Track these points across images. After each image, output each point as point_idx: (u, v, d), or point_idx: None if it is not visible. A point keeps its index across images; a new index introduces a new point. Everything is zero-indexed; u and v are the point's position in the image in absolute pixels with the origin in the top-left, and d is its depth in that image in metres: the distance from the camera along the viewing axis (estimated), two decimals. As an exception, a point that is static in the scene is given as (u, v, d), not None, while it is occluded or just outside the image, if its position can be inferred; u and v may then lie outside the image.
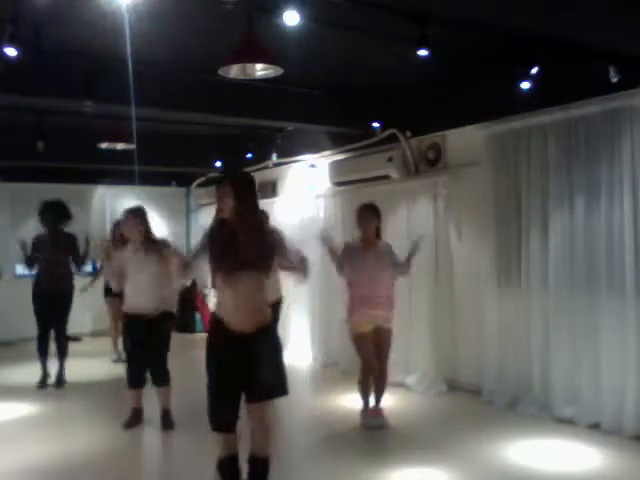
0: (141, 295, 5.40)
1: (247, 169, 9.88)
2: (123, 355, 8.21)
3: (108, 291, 8.60)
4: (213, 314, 3.77)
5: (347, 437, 5.43)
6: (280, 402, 6.53)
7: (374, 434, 5.33)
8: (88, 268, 11.02)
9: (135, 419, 5.58)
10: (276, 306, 5.65)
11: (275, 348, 3.78)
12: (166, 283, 5.40)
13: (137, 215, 5.61)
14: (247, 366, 3.61)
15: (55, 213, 7.24)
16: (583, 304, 5.37)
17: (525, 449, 4.86)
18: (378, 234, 5.71)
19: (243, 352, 3.59)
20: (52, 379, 7.21)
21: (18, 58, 4.56)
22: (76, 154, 8.91)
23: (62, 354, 7.27)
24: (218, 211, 3.66)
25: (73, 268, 7.37)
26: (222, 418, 3.69)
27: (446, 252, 6.72)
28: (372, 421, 5.52)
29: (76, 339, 9.43)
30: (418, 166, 7.08)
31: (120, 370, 7.77)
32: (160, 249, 5.38)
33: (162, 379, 5.52)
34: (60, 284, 7.20)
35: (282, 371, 3.75)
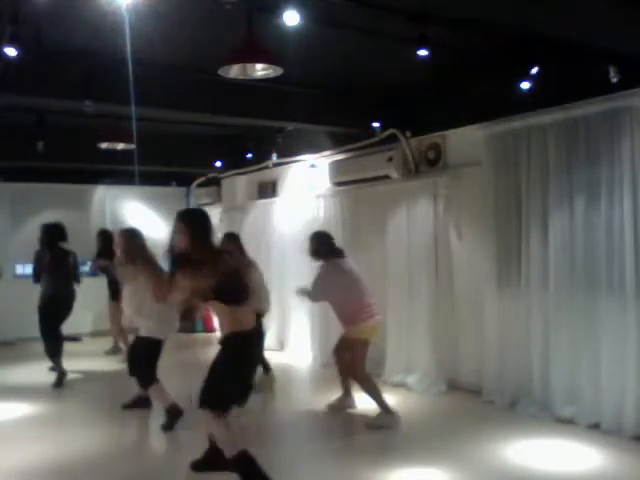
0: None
1: (247, 169, 9.93)
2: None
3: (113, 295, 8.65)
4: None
5: (347, 437, 5.44)
6: (280, 402, 6.54)
7: (374, 434, 5.32)
8: (88, 268, 11.04)
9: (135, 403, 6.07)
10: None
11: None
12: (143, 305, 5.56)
13: (120, 235, 5.82)
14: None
15: (53, 235, 7.42)
16: (583, 304, 5.36)
17: (525, 449, 4.85)
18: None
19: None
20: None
21: (18, 58, 4.56)
22: (76, 154, 8.91)
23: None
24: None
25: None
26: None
27: (446, 252, 6.72)
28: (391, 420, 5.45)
29: (76, 339, 9.42)
30: (418, 166, 7.07)
31: (119, 369, 7.82)
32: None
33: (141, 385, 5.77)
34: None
35: None
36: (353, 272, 5.69)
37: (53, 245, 7.42)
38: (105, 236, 8.97)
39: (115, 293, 7.96)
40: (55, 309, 7.38)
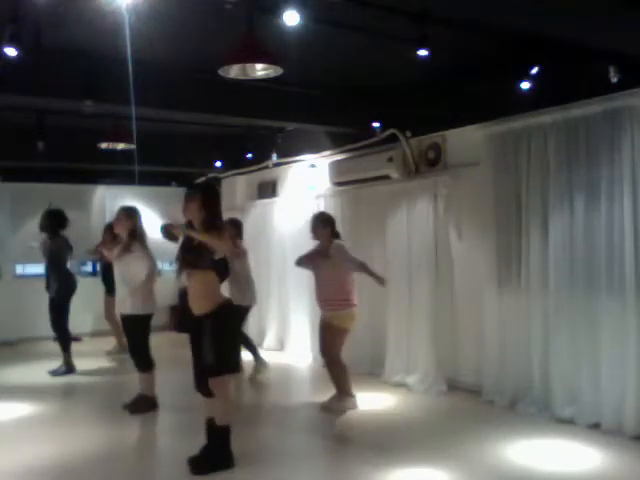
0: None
1: (247, 169, 9.94)
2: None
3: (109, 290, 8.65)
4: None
5: (347, 437, 5.43)
6: (280, 402, 6.54)
7: (374, 434, 5.32)
8: (88, 268, 11.07)
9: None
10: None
11: None
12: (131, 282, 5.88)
13: (126, 213, 6.07)
14: None
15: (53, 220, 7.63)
16: (583, 304, 5.36)
17: (525, 449, 4.85)
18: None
19: None
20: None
21: (18, 58, 4.57)
22: (76, 154, 8.92)
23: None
24: None
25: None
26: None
27: (446, 252, 6.71)
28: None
29: (76, 339, 9.43)
30: (418, 166, 7.07)
31: (120, 369, 7.84)
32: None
33: (137, 366, 5.99)
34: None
35: None
36: None
37: (55, 232, 7.56)
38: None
39: (111, 288, 8.02)
40: (69, 299, 7.65)
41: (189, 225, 4.39)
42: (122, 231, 5.98)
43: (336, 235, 6.11)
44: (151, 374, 5.94)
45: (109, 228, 8.78)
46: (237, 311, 4.63)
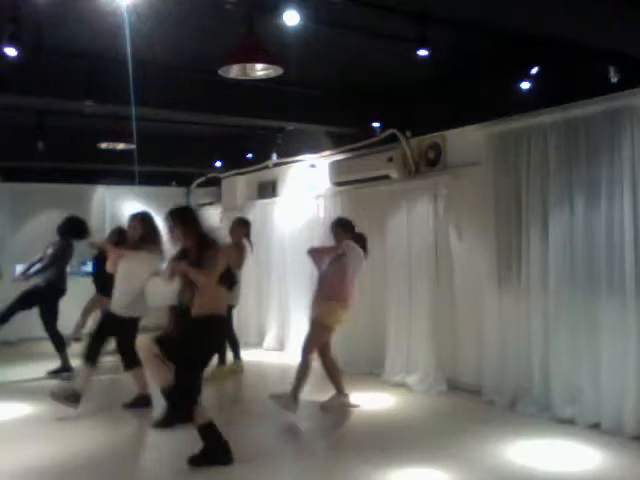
0: None
1: (247, 169, 9.94)
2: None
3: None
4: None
5: (347, 437, 5.43)
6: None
7: (374, 434, 5.32)
8: (88, 268, 11.03)
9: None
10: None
11: None
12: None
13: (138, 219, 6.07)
14: None
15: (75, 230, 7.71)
16: (583, 304, 5.36)
17: (525, 449, 4.85)
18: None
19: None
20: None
21: (18, 58, 4.57)
22: (76, 154, 8.92)
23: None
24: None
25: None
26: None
27: (446, 252, 6.71)
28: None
29: (76, 339, 9.42)
30: (418, 166, 7.07)
31: (119, 369, 7.82)
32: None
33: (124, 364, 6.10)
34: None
35: None
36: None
37: (68, 239, 7.64)
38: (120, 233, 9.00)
39: (101, 288, 7.99)
40: (57, 301, 7.70)
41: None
42: (135, 235, 6.00)
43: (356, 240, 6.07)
44: (138, 371, 5.94)
45: (116, 233, 8.80)
46: (212, 328, 4.54)
